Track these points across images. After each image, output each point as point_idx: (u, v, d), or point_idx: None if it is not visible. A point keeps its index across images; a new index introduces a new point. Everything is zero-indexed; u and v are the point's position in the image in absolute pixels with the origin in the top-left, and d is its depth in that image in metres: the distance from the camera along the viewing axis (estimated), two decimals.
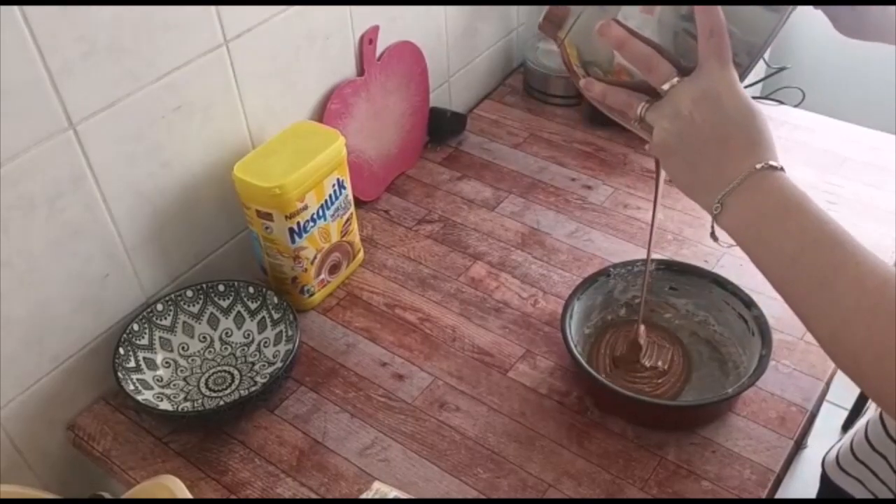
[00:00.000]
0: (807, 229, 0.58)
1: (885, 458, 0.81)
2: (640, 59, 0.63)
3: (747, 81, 1.52)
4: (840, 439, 0.89)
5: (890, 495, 0.81)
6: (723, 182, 0.61)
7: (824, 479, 0.90)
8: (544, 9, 0.69)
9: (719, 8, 0.61)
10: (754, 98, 1.30)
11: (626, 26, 0.64)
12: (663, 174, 0.76)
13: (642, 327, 0.92)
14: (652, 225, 0.86)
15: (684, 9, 0.62)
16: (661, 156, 0.65)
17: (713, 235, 0.63)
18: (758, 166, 0.60)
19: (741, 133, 0.61)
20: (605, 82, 0.67)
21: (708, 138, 0.61)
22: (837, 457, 0.87)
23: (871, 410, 0.85)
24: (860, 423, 0.86)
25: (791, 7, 0.63)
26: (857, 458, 0.84)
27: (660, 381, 0.90)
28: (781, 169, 0.60)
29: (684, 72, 0.63)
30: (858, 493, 0.85)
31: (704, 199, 0.63)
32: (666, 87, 0.62)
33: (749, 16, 0.63)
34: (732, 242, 0.63)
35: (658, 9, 0.63)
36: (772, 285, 0.61)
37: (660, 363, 0.91)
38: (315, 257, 0.99)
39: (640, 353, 0.91)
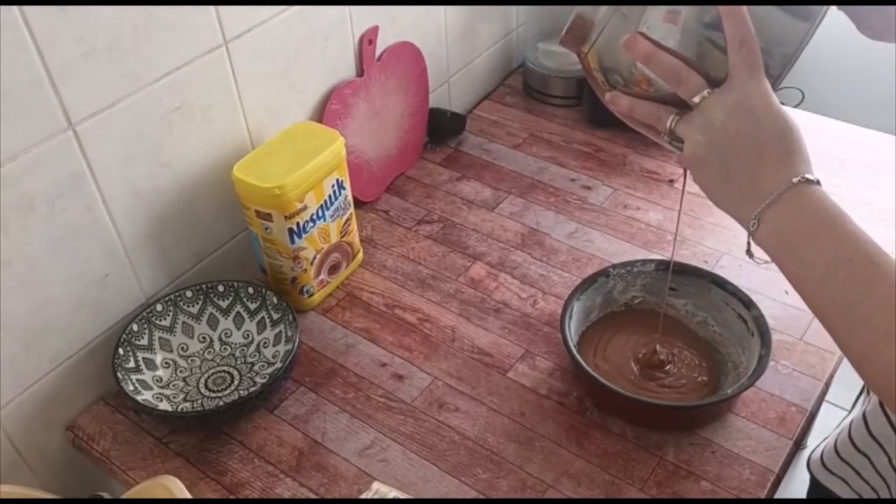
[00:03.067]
0: (841, 246, 0.57)
1: (868, 458, 0.81)
2: (668, 71, 0.62)
3: None
4: (824, 439, 0.90)
5: (873, 495, 0.81)
6: (758, 195, 0.60)
7: (812, 477, 0.91)
8: (566, 23, 0.67)
9: (748, 16, 0.59)
10: None
11: (652, 39, 0.62)
12: (688, 184, 0.75)
13: (658, 346, 0.92)
14: (675, 235, 0.86)
15: (708, 17, 0.61)
16: (692, 168, 0.63)
17: (749, 252, 0.63)
18: (794, 180, 0.59)
19: (776, 144, 0.60)
20: (632, 95, 0.66)
21: (742, 150, 0.60)
22: (822, 456, 0.88)
23: (857, 410, 0.85)
24: (844, 422, 0.86)
25: (821, 15, 0.61)
26: (841, 458, 0.84)
27: (685, 385, 0.90)
28: (818, 182, 0.59)
29: (713, 83, 0.61)
30: (843, 492, 0.85)
31: (738, 211, 0.62)
32: (697, 99, 0.61)
33: (779, 25, 0.62)
34: (767, 259, 0.62)
35: (682, 18, 0.62)
36: (803, 300, 0.60)
37: (684, 370, 0.91)
38: (314, 258, 0.99)
39: (663, 368, 0.91)
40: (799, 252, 0.59)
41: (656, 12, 0.63)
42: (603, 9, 0.65)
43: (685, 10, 0.62)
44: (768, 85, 0.61)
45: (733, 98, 0.60)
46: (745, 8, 0.59)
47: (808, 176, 0.59)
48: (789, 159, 0.60)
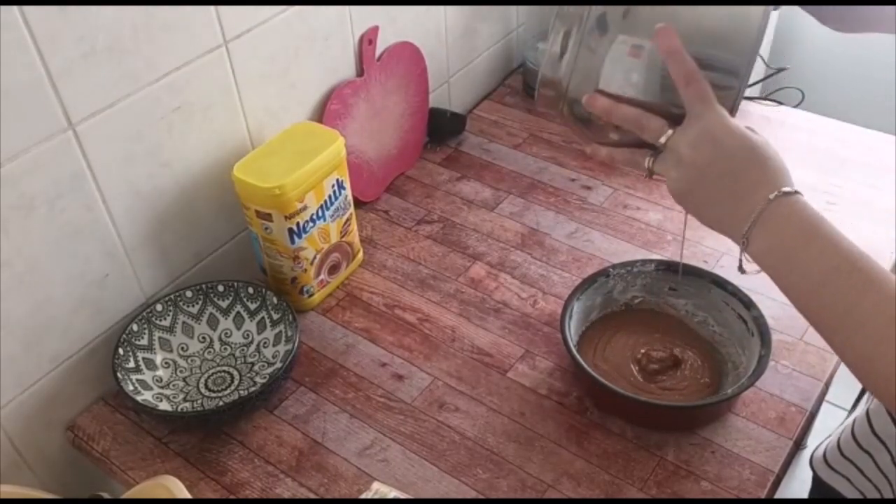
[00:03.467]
0: (826, 255, 0.59)
1: (871, 456, 0.81)
2: (630, 121, 0.66)
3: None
4: (827, 437, 0.90)
5: (876, 493, 0.82)
6: (742, 215, 0.62)
7: (815, 476, 0.91)
8: (536, 91, 0.73)
9: (686, 54, 0.63)
10: (752, 99, 1.30)
11: (609, 93, 0.67)
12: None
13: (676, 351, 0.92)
14: (683, 238, 0.85)
15: None
16: (678, 201, 0.67)
17: (741, 269, 0.65)
18: (771, 196, 0.61)
19: (747, 165, 0.62)
20: (610, 145, 0.70)
21: (716, 177, 0.63)
22: (825, 454, 0.88)
23: (860, 408, 0.85)
24: (847, 420, 0.86)
25: (768, 13, 0.64)
26: (844, 456, 0.85)
27: (685, 385, 0.90)
28: (796, 192, 0.61)
29: (676, 118, 0.65)
30: (846, 490, 0.85)
31: (729, 232, 0.64)
32: (662, 139, 0.65)
33: (726, 37, 0.65)
34: (758, 269, 0.64)
35: (645, 53, 0.65)
36: (798, 311, 0.62)
37: (685, 371, 0.91)
38: (314, 258, 0.99)
39: (679, 368, 0.91)
40: (788, 265, 0.61)
41: (621, 47, 0.66)
42: (563, 64, 0.69)
43: (648, 45, 0.65)
44: (724, 111, 0.64)
45: (694, 132, 0.64)
46: (681, 47, 0.63)
47: (785, 189, 0.61)
48: (763, 175, 0.62)
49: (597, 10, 0.66)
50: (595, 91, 0.67)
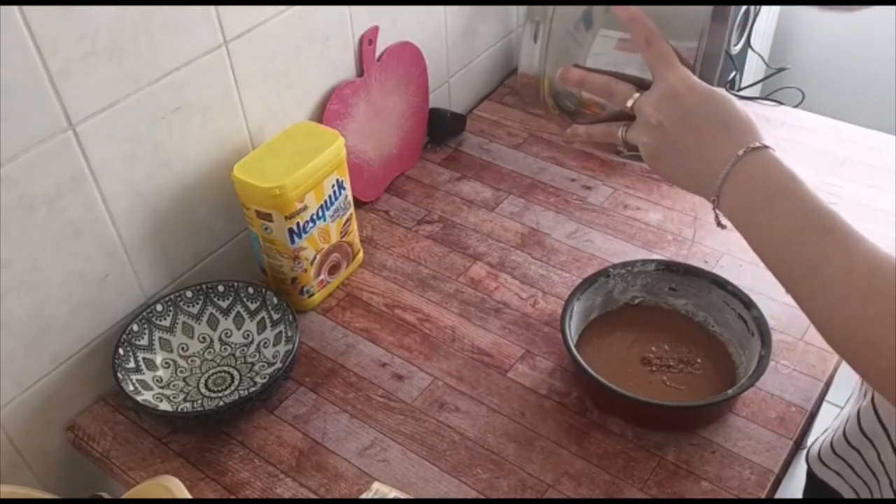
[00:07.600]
0: (793, 216, 0.59)
1: (860, 453, 0.82)
2: (600, 89, 0.68)
3: (746, 82, 1.51)
4: (823, 433, 0.90)
5: (865, 489, 0.83)
6: (711, 172, 0.62)
7: (809, 472, 0.91)
8: (518, 91, 0.76)
9: (646, 18, 0.64)
10: (752, 99, 1.30)
11: (582, 66, 0.69)
12: None
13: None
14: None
15: None
16: (653, 167, 0.67)
17: (718, 223, 0.65)
18: (739, 153, 0.61)
19: (712, 122, 0.62)
20: (587, 123, 0.72)
21: (681, 136, 0.63)
22: (819, 452, 0.89)
23: (851, 406, 0.86)
24: (840, 419, 0.87)
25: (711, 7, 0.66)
26: (836, 453, 0.86)
27: (686, 385, 0.90)
28: (765, 147, 0.61)
29: (647, 86, 0.66)
30: (838, 485, 0.86)
31: (702, 192, 0.65)
32: (629, 103, 0.66)
33: (678, 21, 0.67)
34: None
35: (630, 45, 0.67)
36: (767, 268, 0.62)
37: (685, 370, 0.91)
38: (314, 258, 0.99)
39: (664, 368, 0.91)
40: (755, 223, 0.61)
41: (606, 41, 0.69)
42: (537, 53, 0.73)
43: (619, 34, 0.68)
44: (686, 71, 0.64)
45: (657, 92, 0.64)
46: (642, 13, 0.64)
47: (753, 144, 0.61)
48: (729, 132, 0.62)
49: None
50: (571, 66, 0.69)
